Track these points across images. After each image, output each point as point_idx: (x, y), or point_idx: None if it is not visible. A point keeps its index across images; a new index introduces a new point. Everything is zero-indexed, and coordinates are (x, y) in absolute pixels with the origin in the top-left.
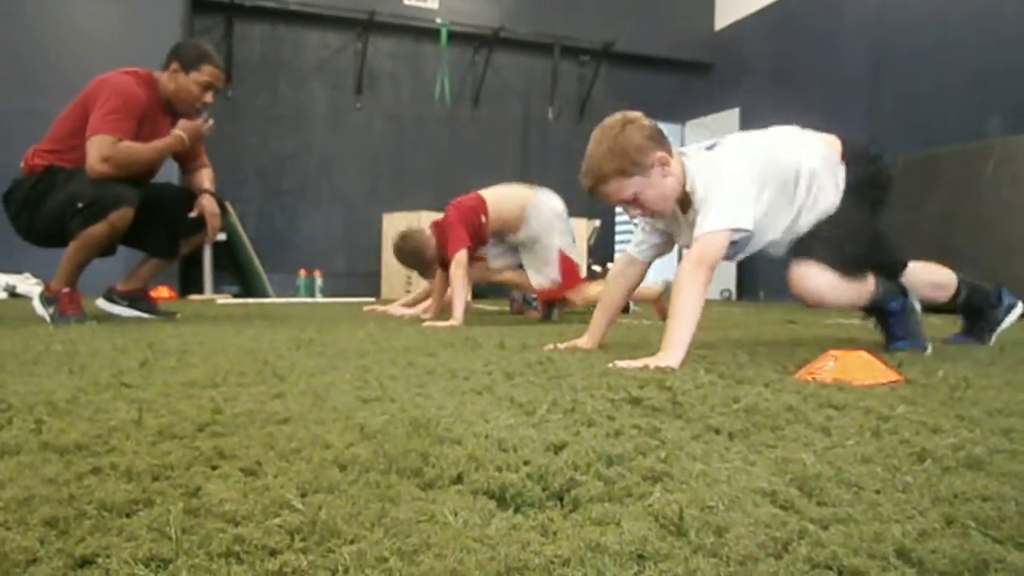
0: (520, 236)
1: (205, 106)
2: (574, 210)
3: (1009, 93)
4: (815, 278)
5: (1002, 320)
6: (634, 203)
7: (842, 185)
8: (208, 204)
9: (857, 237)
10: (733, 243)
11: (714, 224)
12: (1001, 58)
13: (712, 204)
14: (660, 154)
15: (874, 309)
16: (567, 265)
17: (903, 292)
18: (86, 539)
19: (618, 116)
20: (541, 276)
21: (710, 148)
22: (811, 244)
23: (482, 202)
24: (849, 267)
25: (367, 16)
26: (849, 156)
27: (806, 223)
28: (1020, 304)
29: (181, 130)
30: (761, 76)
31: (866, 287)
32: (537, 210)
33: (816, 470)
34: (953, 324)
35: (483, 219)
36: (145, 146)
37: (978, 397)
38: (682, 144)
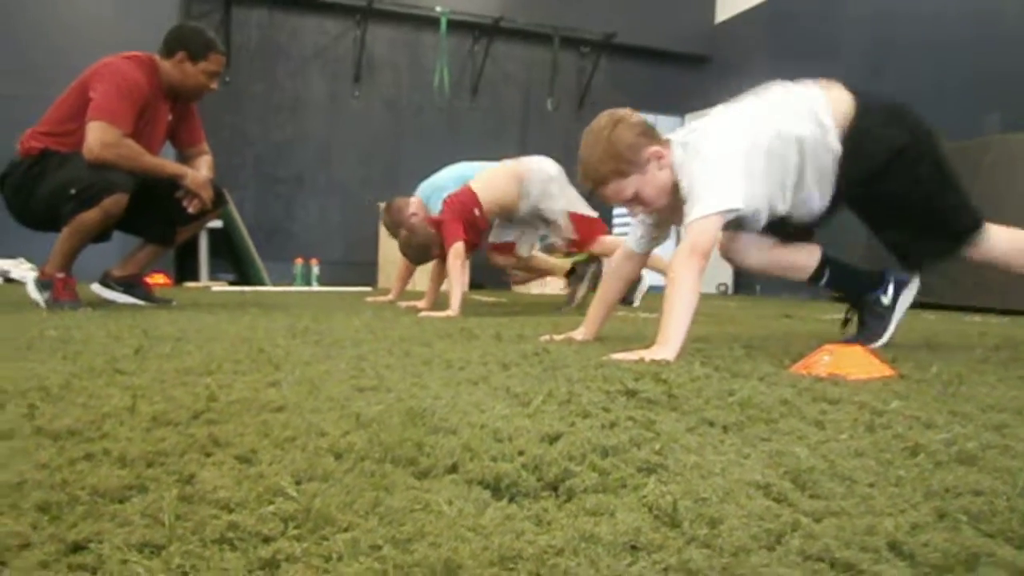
0: (522, 211)
1: (211, 92)
2: None
3: (1007, 91)
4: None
5: (892, 306)
6: (635, 201)
7: (836, 147)
8: (192, 178)
9: (942, 200)
10: (738, 219)
11: (701, 210)
12: (1000, 56)
13: (697, 192)
14: (654, 148)
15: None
16: (580, 222)
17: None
18: (78, 524)
19: (606, 116)
20: (564, 234)
21: (690, 134)
22: (934, 236)
23: (473, 196)
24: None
25: (366, 3)
26: (862, 124)
27: (812, 194)
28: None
29: (192, 178)
30: (760, 70)
31: None
32: (531, 178)
33: (810, 463)
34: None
35: (476, 212)
36: (150, 157)
37: (971, 393)
38: None
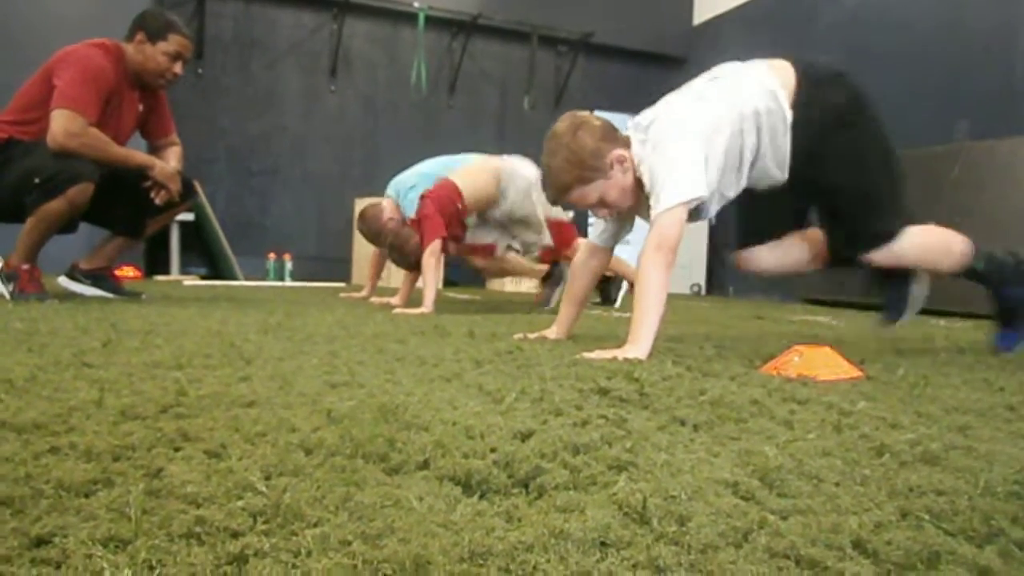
0: (502, 209)
1: (176, 78)
2: None
3: (976, 99)
4: (893, 258)
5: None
6: (600, 205)
7: (789, 113)
8: (160, 169)
9: (877, 188)
10: (695, 210)
11: (666, 202)
12: (969, 66)
13: (661, 184)
14: (616, 152)
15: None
16: (556, 227)
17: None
18: (42, 519)
19: (567, 121)
20: (541, 238)
21: (647, 127)
22: (854, 235)
23: (456, 189)
24: (901, 216)
25: None
26: (804, 91)
27: (768, 165)
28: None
29: (160, 169)
30: None
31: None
32: (512, 179)
33: (778, 462)
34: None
35: (459, 206)
36: (116, 147)
37: (936, 395)
38: None
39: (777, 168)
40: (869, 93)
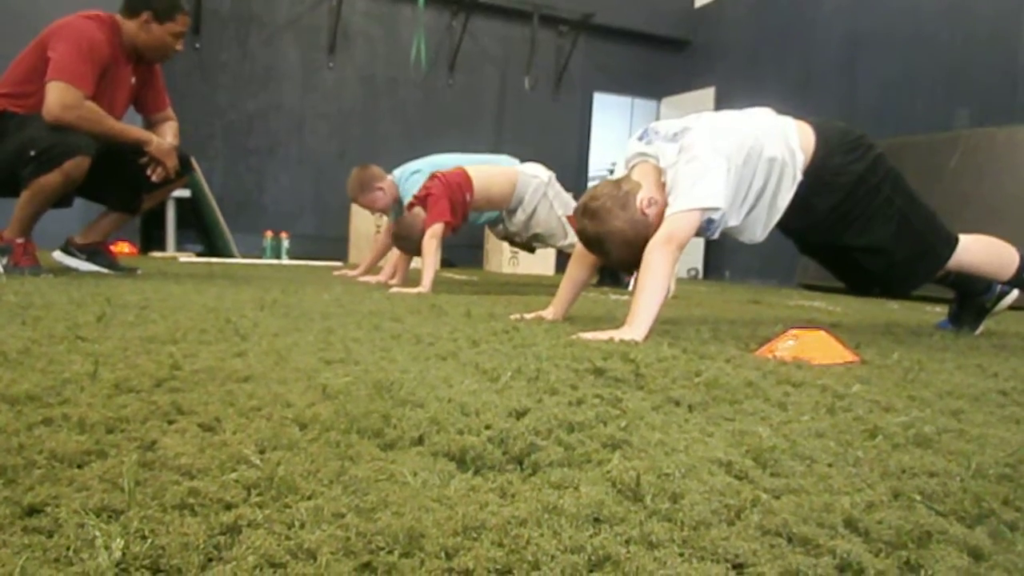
0: (518, 219)
1: (175, 55)
2: None
3: (977, 87)
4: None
5: (991, 308)
6: None
7: (799, 177)
8: (156, 145)
9: (915, 236)
10: (709, 220)
11: (684, 204)
12: (971, 53)
13: (682, 185)
14: (646, 198)
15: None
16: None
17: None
18: (35, 488)
19: (610, 201)
20: (567, 240)
21: (676, 136)
22: (909, 270)
23: (468, 180)
24: (938, 253)
25: None
26: (824, 158)
27: (760, 216)
28: (1015, 291)
29: (156, 145)
30: (738, 56)
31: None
32: (527, 184)
33: (771, 443)
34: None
35: (467, 197)
36: (113, 121)
37: (930, 379)
38: (656, 119)
39: (763, 226)
40: (881, 151)
